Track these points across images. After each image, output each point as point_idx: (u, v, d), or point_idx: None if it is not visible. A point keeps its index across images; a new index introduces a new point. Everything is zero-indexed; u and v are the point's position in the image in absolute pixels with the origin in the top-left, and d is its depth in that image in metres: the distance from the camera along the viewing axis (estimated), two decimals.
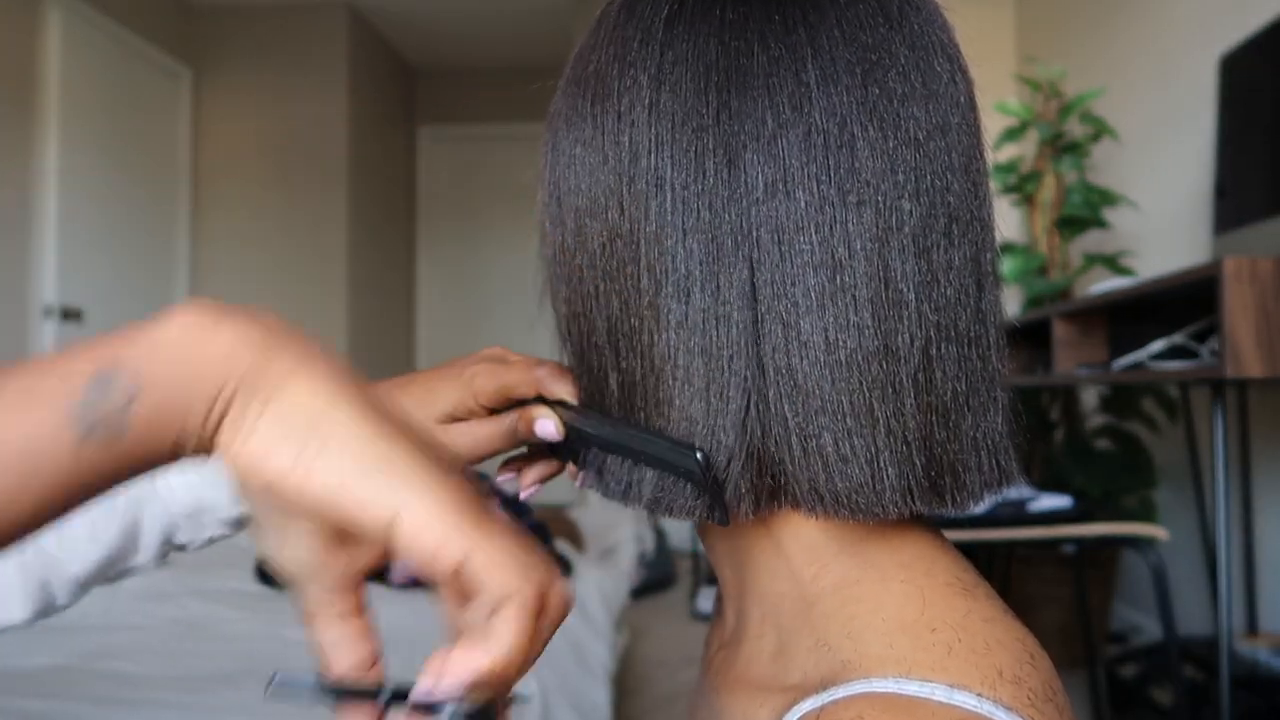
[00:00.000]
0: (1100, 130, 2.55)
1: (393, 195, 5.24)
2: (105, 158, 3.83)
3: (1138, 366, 1.65)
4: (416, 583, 1.97)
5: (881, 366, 0.34)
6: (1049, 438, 2.77)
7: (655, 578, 3.63)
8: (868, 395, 0.34)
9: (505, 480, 0.52)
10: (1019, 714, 0.30)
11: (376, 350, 4.93)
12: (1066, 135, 2.64)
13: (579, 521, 3.43)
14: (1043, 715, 0.31)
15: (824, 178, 0.34)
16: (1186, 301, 1.64)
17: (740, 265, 0.34)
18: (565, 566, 2.11)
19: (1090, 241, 2.88)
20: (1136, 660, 2.12)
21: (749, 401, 0.34)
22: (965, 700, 0.30)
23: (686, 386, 0.35)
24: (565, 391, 0.44)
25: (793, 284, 0.34)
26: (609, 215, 0.37)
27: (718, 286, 0.34)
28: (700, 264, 0.35)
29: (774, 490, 0.35)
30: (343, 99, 4.52)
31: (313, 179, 4.51)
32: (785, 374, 0.34)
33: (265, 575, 2.01)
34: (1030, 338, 2.25)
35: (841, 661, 0.33)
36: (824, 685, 0.33)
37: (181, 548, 0.58)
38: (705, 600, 3.25)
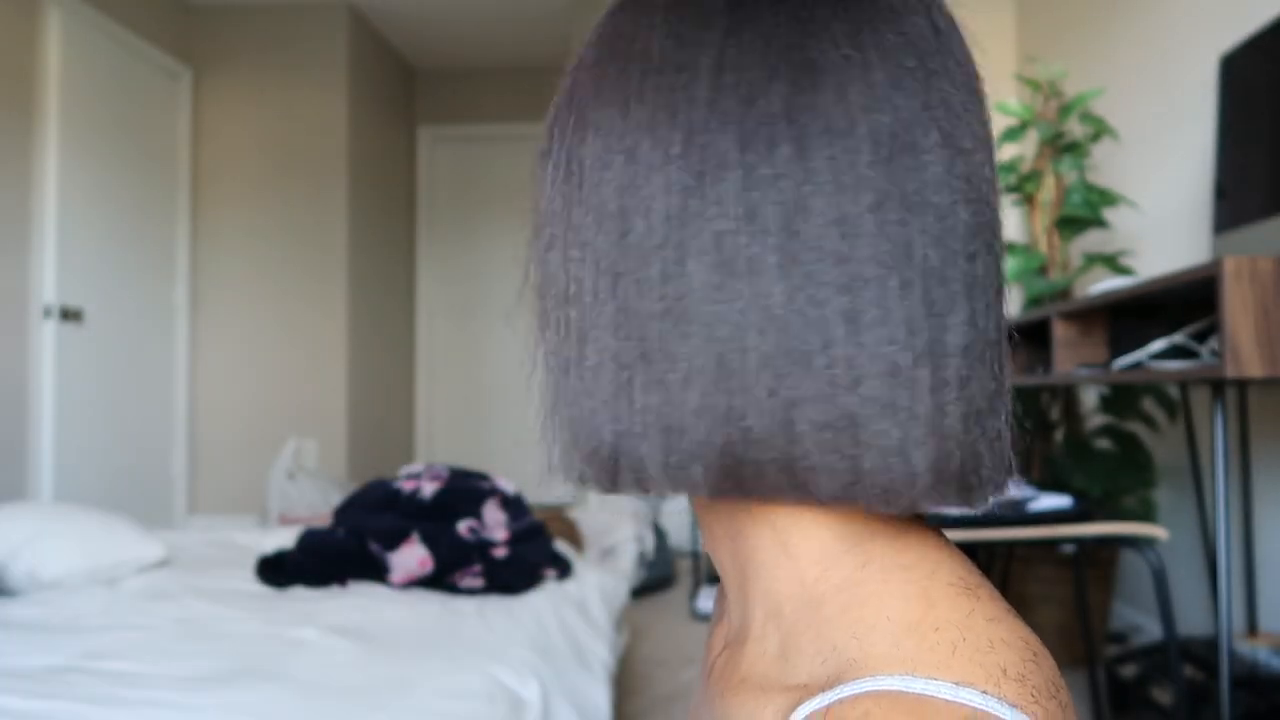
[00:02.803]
0: (1100, 130, 2.55)
1: (393, 195, 5.24)
2: (105, 157, 3.84)
3: (1138, 366, 1.65)
4: (417, 583, 1.97)
5: (930, 365, 0.35)
6: (1049, 438, 2.77)
7: (655, 578, 3.63)
8: (919, 392, 0.35)
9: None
10: (1023, 711, 0.31)
11: (377, 349, 4.93)
12: (1066, 135, 2.64)
13: (579, 521, 3.44)
14: (1046, 712, 0.32)
15: (890, 178, 0.35)
16: (1186, 301, 1.64)
17: (822, 255, 0.35)
18: (565, 566, 2.11)
19: (1090, 241, 2.88)
20: (1136, 660, 2.12)
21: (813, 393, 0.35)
22: (970, 697, 0.31)
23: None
24: None
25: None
26: (654, 193, 0.37)
27: (808, 274, 0.35)
28: (776, 249, 0.35)
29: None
30: (343, 99, 4.52)
31: (313, 179, 4.52)
32: (843, 365, 0.35)
33: (265, 575, 2.01)
34: (1030, 338, 2.25)
35: (847, 660, 0.34)
36: (830, 685, 0.33)
37: None
38: (705, 600, 3.25)
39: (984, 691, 0.31)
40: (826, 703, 0.32)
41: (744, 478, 0.36)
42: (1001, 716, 0.31)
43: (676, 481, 0.36)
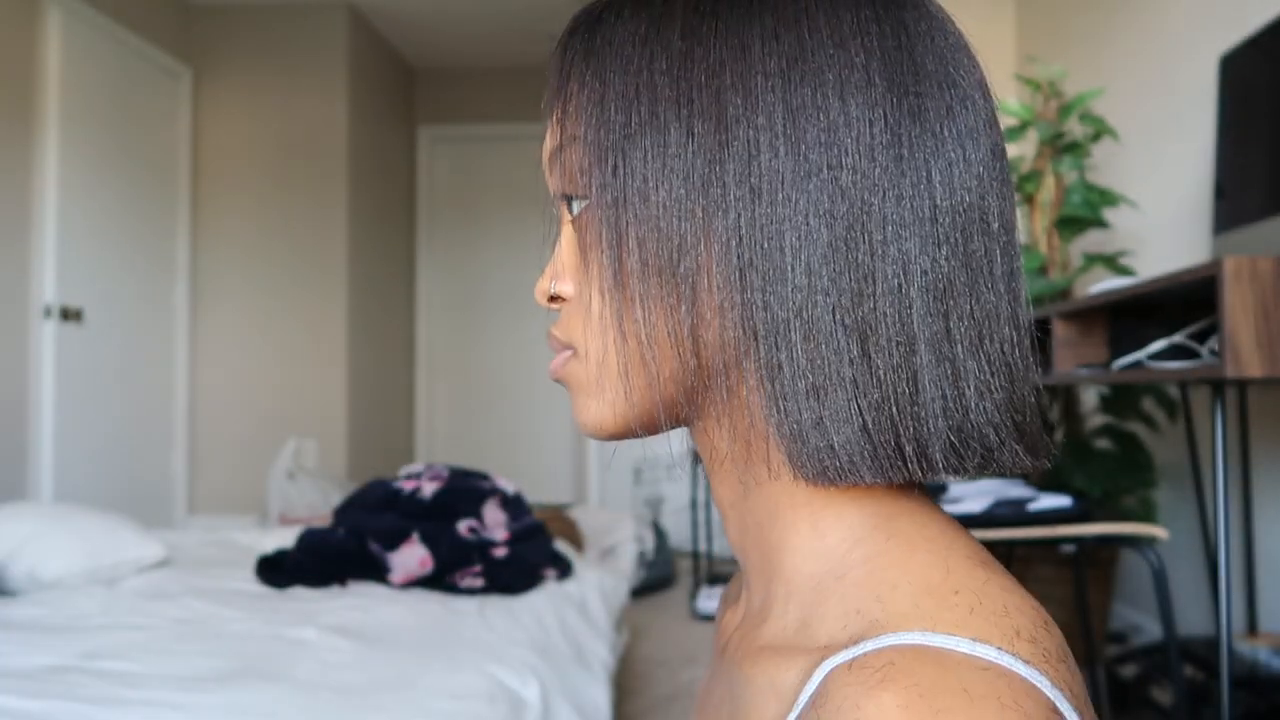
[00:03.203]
0: (1100, 130, 2.55)
1: (393, 195, 5.24)
2: (105, 158, 3.84)
3: (1138, 366, 1.65)
4: (417, 582, 1.97)
5: (1026, 345, 0.41)
6: (1049, 438, 2.77)
7: (655, 578, 3.63)
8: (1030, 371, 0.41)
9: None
10: (1036, 667, 0.33)
11: (376, 351, 4.93)
12: (1066, 135, 2.64)
13: (579, 521, 3.43)
14: (1057, 672, 0.34)
15: (994, 172, 0.41)
16: (1186, 301, 1.64)
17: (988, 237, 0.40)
18: (565, 566, 2.11)
19: (1090, 241, 2.88)
20: (1136, 660, 2.12)
21: (961, 389, 0.39)
22: (986, 652, 0.33)
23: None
24: None
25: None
26: (822, 185, 0.38)
27: (994, 262, 0.41)
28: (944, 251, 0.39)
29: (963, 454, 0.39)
30: (343, 99, 4.52)
31: (313, 179, 4.51)
32: (1023, 328, 0.41)
33: (265, 575, 2.01)
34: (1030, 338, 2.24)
35: (870, 621, 0.35)
36: (853, 642, 0.35)
37: None
38: (705, 600, 3.25)
39: (1000, 648, 0.33)
40: (850, 656, 0.34)
41: (969, 453, 0.39)
42: (1016, 670, 0.32)
43: (945, 464, 0.39)
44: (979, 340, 0.39)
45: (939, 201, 0.38)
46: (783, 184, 0.38)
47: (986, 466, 0.39)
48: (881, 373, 0.37)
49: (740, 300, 0.38)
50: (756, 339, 0.38)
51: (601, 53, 0.42)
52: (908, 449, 0.38)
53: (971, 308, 0.39)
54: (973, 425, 0.38)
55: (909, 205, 0.38)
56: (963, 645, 0.33)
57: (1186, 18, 2.48)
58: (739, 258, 0.38)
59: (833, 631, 0.37)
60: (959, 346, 0.38)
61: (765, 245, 0.38)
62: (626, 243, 0.40)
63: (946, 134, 0.39)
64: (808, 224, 0.38)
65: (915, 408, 0.38)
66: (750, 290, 0.38)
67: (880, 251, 0.37)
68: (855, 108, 0.38)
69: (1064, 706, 0.33)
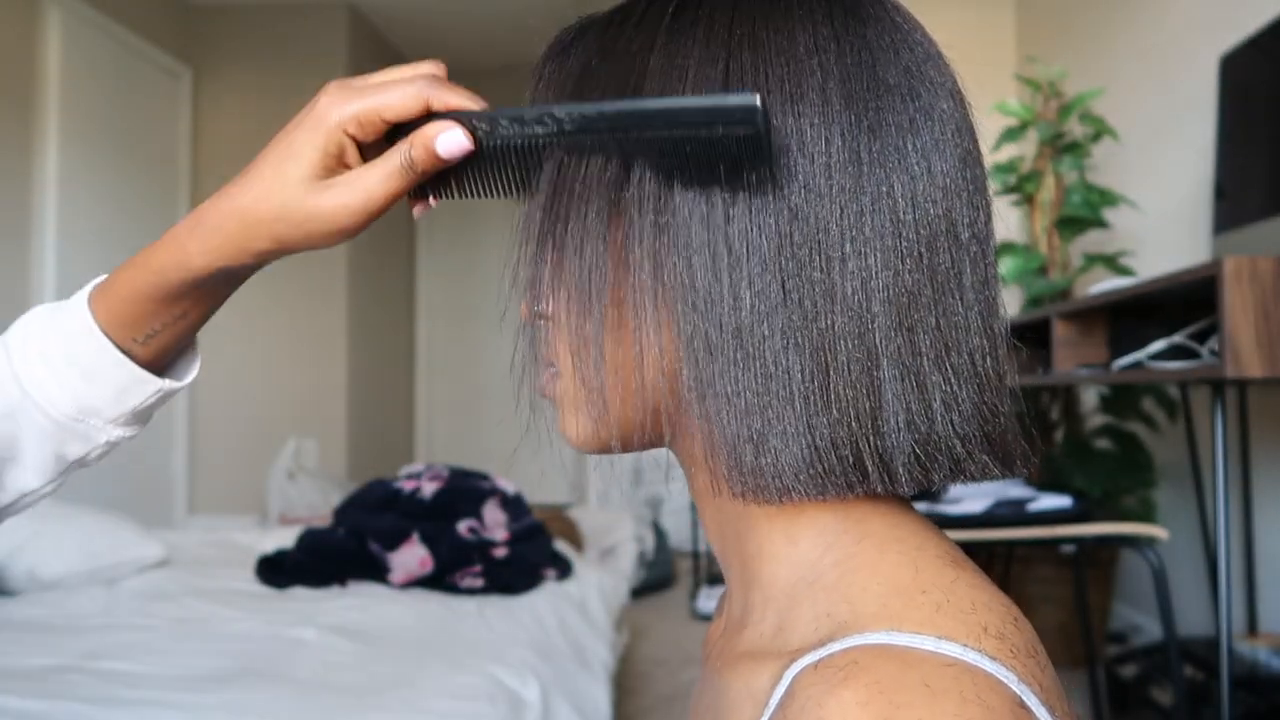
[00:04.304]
0: (1100, 130, 2.55)
1: None
2: (105, 158, 3.83)
3: (1138, 366, 1.65)
4: (417, 582, 1.97)
5: (1000, 354, 0.41)
6: (1049, 438, 2.77)
7: (655, 578, 3.63)
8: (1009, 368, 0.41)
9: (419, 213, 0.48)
10: (1003, 663, 0.33)
11: (376, 351, 4.93)
12: (1066, 135, 2.64)
13: (579, 521, 3.43)
14: (1025, 668, 0.34)
15: (960, 168, 0.40)
16: (1186, 301, 1.64)
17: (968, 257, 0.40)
18: (565, 566, 2.11)
19: (1090, 241, 2.88)
20: (1136, 660, 2.12)
21: (930, 395, 0.39)
22: (951, 649, 0.33)
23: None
24: (462, 99, 0.43)
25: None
26: (785, 205, 0.38)
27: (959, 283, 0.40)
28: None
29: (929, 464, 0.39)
30: None
31: None
32: (996, 339, 0.41)
33: (265, 575, 2.01)
34: (1030, 338, 2.25)
35: (839, 623, 0.36)
36: (822, 644, 0.35)
37: (82, 462, 0.52)
38: (705, 600, 3.25)
39: (965, 645, 0.33)
40: (817, 658, 0.34)
41: (935, 465, 0.38)
42: (981, 665, 0.32)
43: (909, 477, 0.38)
44: (945, 352, 0.38)
45: (902, 216, 0.38)
46: (733, 205, 0.38)
47: (955, 477, 0.39)
48: (840, 389, 0.37)
49: (682, 323, 0.38)
50: (697, 362, 0.38)
51: (562, 85, 0.43)
52: (869, 464, 0.37)
53: (938, 320, 0.38)
54: (939, 438, 0.38)
55: (869, 221, 0.37)
56: (927, 643, 0.33)
57: (1186, 18, 2.48)
58: (684, 281, 0.38)
59: (804, 635, 0.37)
60: (924, 360, 0.38)
61: (713, 264, 0.38)
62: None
63: (910, 148, 0.38)
64: (756, 243, 0.37)
65: (878, 423, 0.37)
66: (694, 312, 0.38)
67: (839, 269, 0.37)
68: (810, 128, 0.38)
69: (1031, 701, 0.33)
